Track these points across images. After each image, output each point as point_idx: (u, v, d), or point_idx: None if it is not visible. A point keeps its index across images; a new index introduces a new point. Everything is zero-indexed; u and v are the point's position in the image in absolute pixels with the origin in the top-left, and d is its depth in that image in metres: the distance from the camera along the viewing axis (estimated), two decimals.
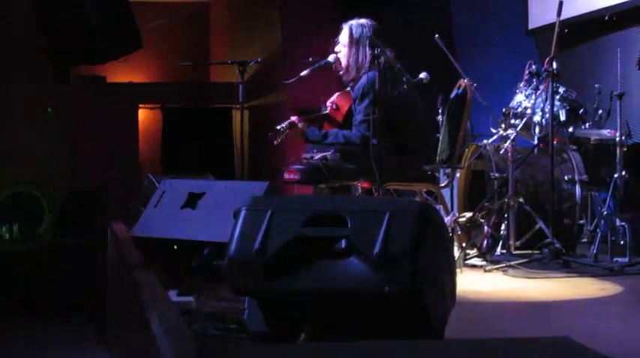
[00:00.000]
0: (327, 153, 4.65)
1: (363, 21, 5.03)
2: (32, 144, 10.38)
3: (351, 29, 5.02)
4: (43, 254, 9.04)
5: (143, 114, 11.37)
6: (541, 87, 5.16)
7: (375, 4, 7.10)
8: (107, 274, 5.64)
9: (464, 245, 4.82)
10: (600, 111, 5.41)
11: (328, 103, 5.23)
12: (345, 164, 4.70)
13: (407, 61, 4.99)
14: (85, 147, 10.43)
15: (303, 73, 5.17)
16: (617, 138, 4.99)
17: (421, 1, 7.91)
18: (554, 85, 4.97)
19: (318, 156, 4.64)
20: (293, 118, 5.06)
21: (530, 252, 4.98)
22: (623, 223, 4.90)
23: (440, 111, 5.57)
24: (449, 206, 5.28)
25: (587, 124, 5.36)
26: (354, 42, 5.00)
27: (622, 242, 4.89)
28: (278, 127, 5.02)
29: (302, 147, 5.06)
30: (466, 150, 5.38)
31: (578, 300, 3.87)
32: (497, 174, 5.23)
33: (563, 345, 1.99)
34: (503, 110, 5.27)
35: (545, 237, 4.81)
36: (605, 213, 4.93)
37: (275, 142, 5.04)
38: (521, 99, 5.26)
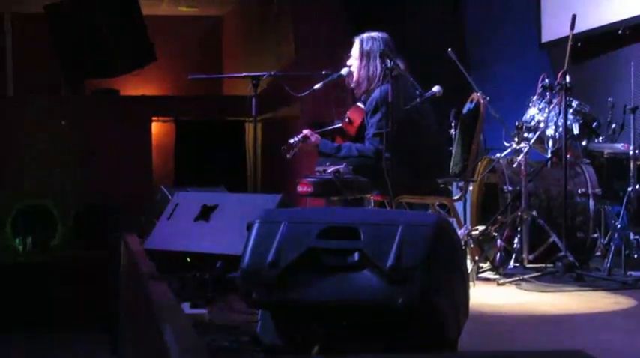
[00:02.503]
0: (340, 166, 4.64)
1: (374, 34, 5.04)
2: (46, 157, 10.43)
3: (362, 42, 5.04)
4: (57, 266, 9.08)
5: (156, 127, 11.42)
6: (554, 100, 5.16)
7: (387, 17, 7.12)
8: (120, 286, 5.65)
9: (477, 258, 4.81)
10: (613, 125, 5.41)
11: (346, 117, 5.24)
12: (357, 177, 4.70)
13: (420, 75, 5.00)
14: (99, 160, 10.47)
15: (316, 86, 5.18)
16: (631, 152, 4.98)
17: (434, 14, 7.93)
18: (568, 98, 4.96)
19: (330, 168, 4.63)
20: (306, 131, 5.06)
21: (543, 265, 4.96)
22: (637, 237, 4.88)
23: (453, 124, 5.56)
24: (462, 219, 5.27)
25: (600, 138, 5.35)
26: (365, 55, 5.01)
27: (636, 255, 4.87)
28: (291, 141, 5.02)
29: (315, 160, 5.06)
30: (479, 163, 5.37)
31: (592, 314, 3.85)
32: (510, 188, 5.22)
33: None
34: (517, 123, 5.27)
35: (559, 250, 4.79)
36: (618, 226, 4.91)
37: (288, 156, 5.03)
38: (534, 112, 5.26)
